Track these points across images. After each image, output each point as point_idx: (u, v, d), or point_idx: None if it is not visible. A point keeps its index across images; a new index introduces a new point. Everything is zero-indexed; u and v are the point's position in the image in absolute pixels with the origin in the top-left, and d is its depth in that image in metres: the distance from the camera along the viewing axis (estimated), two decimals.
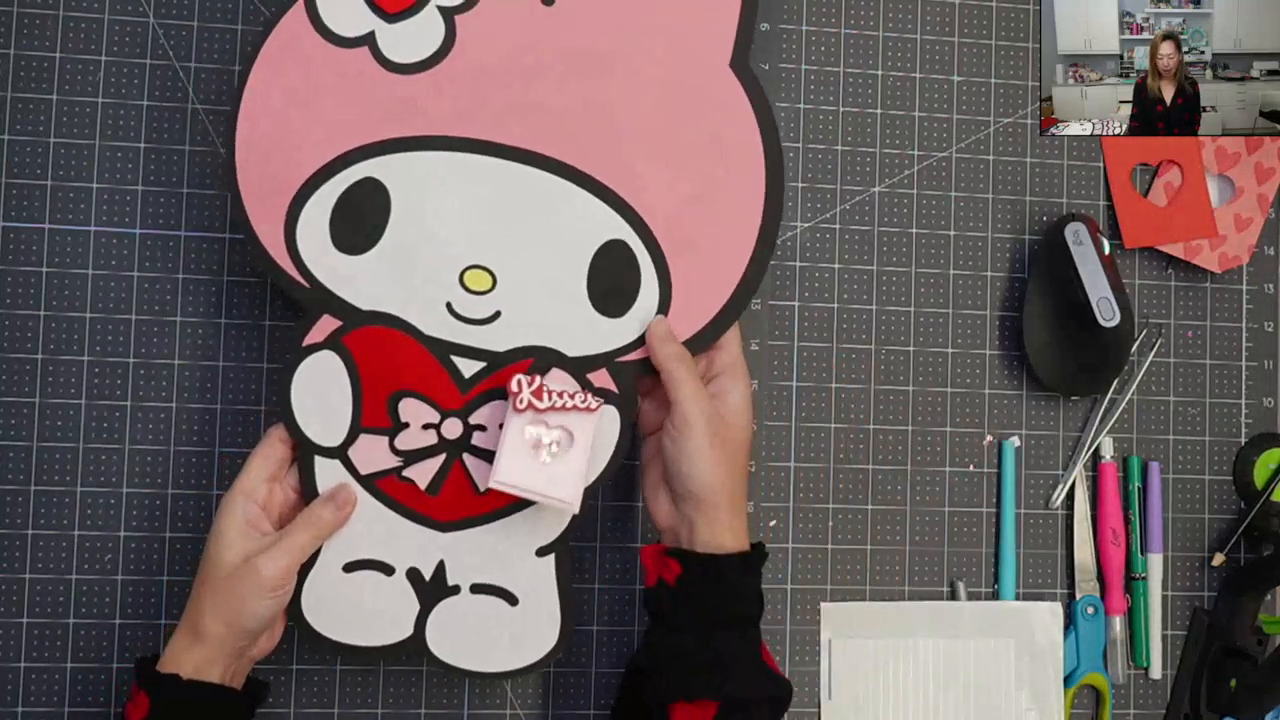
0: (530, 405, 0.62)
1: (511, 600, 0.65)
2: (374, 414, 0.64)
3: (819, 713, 0.76)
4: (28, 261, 0.71)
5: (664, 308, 0.65)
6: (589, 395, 0.63)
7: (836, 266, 0.78)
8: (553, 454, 0.63)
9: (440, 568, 0.65)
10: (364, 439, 0.64)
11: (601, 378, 0.65)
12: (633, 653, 0.73)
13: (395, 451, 0.64)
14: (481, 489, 0.64)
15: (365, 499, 0.64)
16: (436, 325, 0.64)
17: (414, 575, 0.65)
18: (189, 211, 0.72)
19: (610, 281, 0.65)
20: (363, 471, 0.64)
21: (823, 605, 0.77)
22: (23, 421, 0.70)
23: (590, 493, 0.64)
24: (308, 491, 0.64)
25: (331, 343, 0.64)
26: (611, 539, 0.75)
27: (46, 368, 0.71)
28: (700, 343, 0.65)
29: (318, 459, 0.64)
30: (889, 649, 0.77)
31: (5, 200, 0.71)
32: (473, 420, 0.65)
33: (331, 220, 0.64)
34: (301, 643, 0.71)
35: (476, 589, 0.65)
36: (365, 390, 0.64)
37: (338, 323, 0.64)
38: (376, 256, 0.64)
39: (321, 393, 0.64)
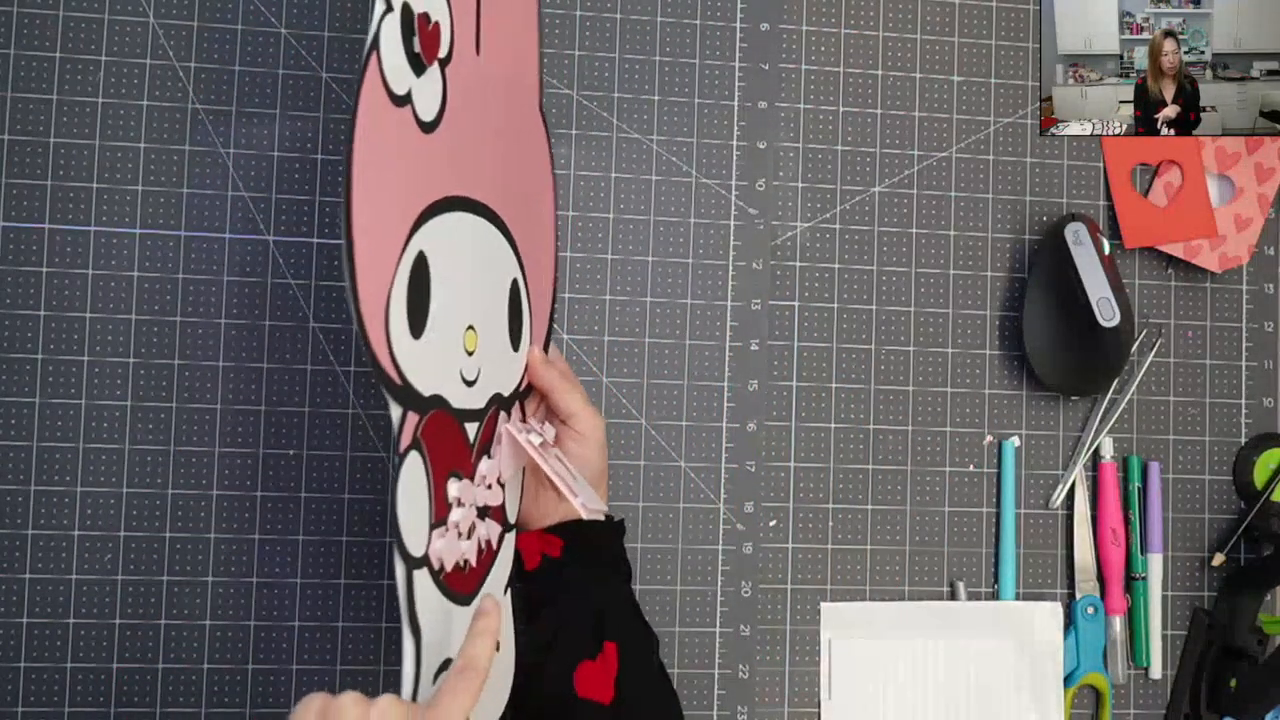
0: (545, 441, 0.65)
1: (497, 647, 0.64)
2: (440, 506, 0.58)
3: (819, 713, 0.76)
4: (28, 261, 0.71)
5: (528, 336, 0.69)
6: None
7: (836, 266, 0.78)
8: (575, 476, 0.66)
9: None
10: (433, 535, 0.57)
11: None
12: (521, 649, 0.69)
13: (458, 536, 0.59)
14: (580, 513, 0.65)
15: (446, 608, 0.57)
16: (459, 396, 0.60)
17: None
18: (189, 211, 0.72)
19: (514, 318, 0.66)
20: (447, 569, 0.58)
21: (823, 605, 0.77)
22: (23, 421, 0.70)
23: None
24: (410, 615, 0.54)
25: (415, 442, 0.55)
26: None
27: (46, 368, 0.71)
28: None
29: (415, 574, 0.54)
30: (889, 649, 0.77)
31: (5, 200, 0.71)
32: (479, 483, 0.62)
33: (407, 303, 0.55)
34: (300, 644, 0.71)
35: None
36: (435, 484, 0.57)
37: (415, 418, 0.56)
38: (429, 335, 0.57)
39: (411, 500, 0.55)
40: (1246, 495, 0.81)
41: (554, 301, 0.73)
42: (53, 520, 0.70)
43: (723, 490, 0.76)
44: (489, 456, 0.63)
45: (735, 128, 0.78)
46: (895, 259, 0.79)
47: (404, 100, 0.55)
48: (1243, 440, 0.82)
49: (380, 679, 0.72)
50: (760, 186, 0.78)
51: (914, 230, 0.79)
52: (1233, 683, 0.77)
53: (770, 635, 0.76)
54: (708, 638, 0.76)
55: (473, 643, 0.54)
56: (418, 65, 0.55)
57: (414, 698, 0.54)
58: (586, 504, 0.65)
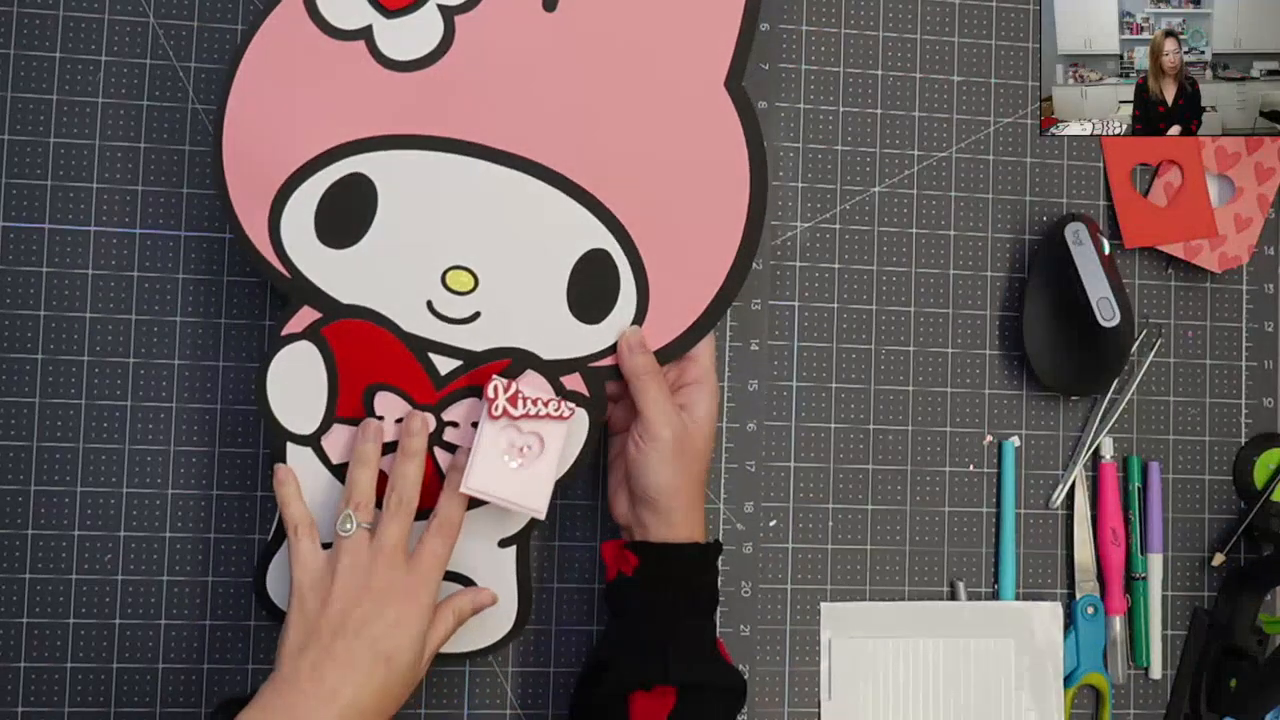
0: (505, 412, 0.63)
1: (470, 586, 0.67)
2: (349, 405, 0.65)
3: (819, 713, 0.76)
4: (28, 261, 0.71)
5: (640, 317, 0.67)
6: (562, 403, 0.64)
7: (836, 266, 0.78)
8: (524, 460, 0.64)
9: None
10: (337, 429, 0.65)
11: (574, 380, 0.67)
12: (591, 648, 0.72)
13: (366, 440, 0.65)
14: (460, 485, 0.63)
15: (335, 487, 0.65)
16: (416, 322, 0.65)
17: None
18: (189, 211, 0.72)
19: (590, 289, 0.66)
20: (334, 460, 0.65)
21: (823, 605, 0.77)
22: (23, 421, 0.70)
23: (554, 491, 0.65)
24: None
25: (310, 333, 0.65)
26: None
27: (46, 368, 0.71)
28: (672, 352, 0.67)
29: (290, 446, 0.65)
30: (889, 649, 0.77)
31: (5, 200, 0.71)
32: (446, 416, 0.66)
33: (317, 213, 0.64)
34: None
35: None
36: (342, 381, 0.65)
37: (318, 314, 0.65)
38: (359, 251, 0.65)
39: (297, 381, 0.65)
40: (1246, 495, 0.81)
41: (721, 302, 0.67)
42: (53, 520, 0.70)
43: (723, 490, 0.76)
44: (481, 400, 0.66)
45: None
46: (895, 259, 0.79)
47: (353, 34, 0.63)
48: (1243, 440, 0.82)
49: None
50: None
51: (914, 230, 0.79)
52: (1233, 683, 0.77)
53: (770, 635, 0.76)
54: None
55: (449, 499, 0.63)
56: (380, 7, 0.64)
57: (270, 550, 0.67)
58: (473, 487, 0.62)
